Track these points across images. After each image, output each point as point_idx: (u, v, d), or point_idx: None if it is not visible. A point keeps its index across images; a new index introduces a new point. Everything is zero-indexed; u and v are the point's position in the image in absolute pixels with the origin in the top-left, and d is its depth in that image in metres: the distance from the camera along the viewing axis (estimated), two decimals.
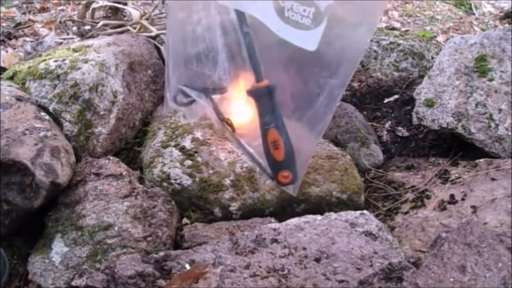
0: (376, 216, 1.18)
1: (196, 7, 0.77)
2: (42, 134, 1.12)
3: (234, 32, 0.73)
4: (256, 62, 0.73)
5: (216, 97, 0.79)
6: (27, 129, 1.12)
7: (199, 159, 1.24)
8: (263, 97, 0.75)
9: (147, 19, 1.77)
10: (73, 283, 0.92)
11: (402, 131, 1.57)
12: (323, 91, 0.74)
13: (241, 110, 0.78)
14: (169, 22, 0.83)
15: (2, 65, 1.69)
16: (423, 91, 1.49)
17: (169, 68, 0.81)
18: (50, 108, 1.27)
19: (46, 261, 1.01)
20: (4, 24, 2.14)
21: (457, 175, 1.31)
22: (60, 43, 1.80)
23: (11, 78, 1.37)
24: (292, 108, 0.77)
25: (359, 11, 0.72)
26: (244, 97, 0.76)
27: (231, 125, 0.79)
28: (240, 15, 0.72)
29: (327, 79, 0.73)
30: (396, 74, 1.67)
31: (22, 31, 2.13)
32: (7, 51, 1.91)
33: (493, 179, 1.23)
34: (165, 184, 1.19)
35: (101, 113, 1.30)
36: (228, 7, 0.72)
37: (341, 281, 0.89)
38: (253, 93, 0.75)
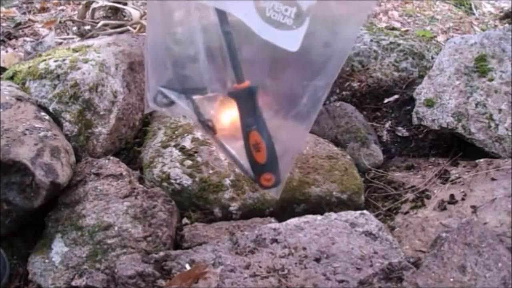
0: (376, 216, 1.18)
1: (176, 7, 0.76)
2: (42, 134, 1.12)
3: (215, 31, 0.72)
4: (237, 63, 0.72)
5: (196, 98, 0.77)
6: (27, 129, 1.12)
7: (199, 159, 1.24)
8: (244, 98, 0.74)
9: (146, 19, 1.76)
10: (73, 283, 0.92)
11: (402, 131, 1.57)
12: (306, 92, 0.73)
13: (222, 111, 0.77)
14: (149, 22, 0.81)
15: (2, 65, 1.69)
16: (423, 91, 1.49)
17: (148, 69, 0.80)
18: (50, 108, 1.27)
19: (46, 261, 1.01)
20: (4, 24, 2.14)
21: (457, 175, 1.31)
22: (60, 43, 1.80)
23: (11, 78, 1.37)
24: (275, 109, 0.76)
25: (345, 10, 0.71)
26: (226, 98, 0.75)
27: (212, 127, 0.77)
28: (221, 14, 0.70)
29: (310, 81, 0.72)
30: (396, 74, 1.67)
31: (22, 31, 2.13)
32: (7, 51, 1.91)
33: (493, 179, 1.23)
34: (165, 184, 1.19)
35: (101, 113, 1.30)
36: (209, 6, 0.71)
37: (341, 281, 0.89)
38: (234, 94, 0.74)
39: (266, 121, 0.74)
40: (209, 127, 0.77)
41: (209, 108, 0.77)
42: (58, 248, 1.03)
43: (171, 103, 0.78)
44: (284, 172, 0.77)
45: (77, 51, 1.38)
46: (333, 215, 1.07)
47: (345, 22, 0.70)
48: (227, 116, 0.78)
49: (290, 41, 0.67)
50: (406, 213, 1.24)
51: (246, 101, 0.73)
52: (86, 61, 1.33)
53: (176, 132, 1.34)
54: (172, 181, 1.19)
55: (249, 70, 0.73)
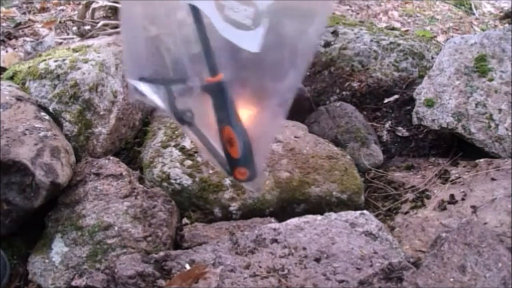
0: (376, 216, 1.18)
1: None
2: (42, 134, 1.12)
3: (192, 24, 0.71)
4: (210, 56, 0.70)
5: (175, 89, 0.76)
6: (27, 129, 1.12)
7: (199, 159, 1.24)
8: (217, 92, 0.72)
9: None
10: (73, 283, 0.92)
11: (402, 131, 1.57)
12: (277, 88, 0.73)
13: (202, 103, 0.76)
14: (124, 12, 0.79)
15: (2, 65, 1.69)
16: (423, 91, 1.49)
17: (126, 60, 0.79)
18: (50, 108, 1.27)
19: (46, 261, 1.01)
20: (4, 24, 2.14)
21: (457, 175, 1.31)
22: (60, 43, 1.80)
23: (11, 78, 1.37)
24: (248, 103, 0.76)
25: (307, 9, 0.70)
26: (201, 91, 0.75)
27: (191, 118, 0.76)
28: (193, 8, 0.70)
29: (280, 77, 0.72)
30: (396, 74, 1.67)
31: (22, 31, 2.13)
32: (7, 51, 1.91)
33: (493, 179, 1.23)
34: (165, 184, 1.19)
35: (101, 113, 1.30)
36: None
37: (341, 281, 0.89)
38: (207, 88, 0.73)
39: (240, 115, 0.74)
40: (186, 119, 0.75)
41: (188, 100, 0.75)
42: (58, 248, 1.03)
43: (149, 94, 0.77)
44: (259, 165, 0.76)
45: (77, 51, 1.38)
46: (333, 215, 1.07)
47: (310, 20, 0.70)
48: (206, 108, 0.76)
49: (250, 41, 0.67)
50: (406, 213, 1.24)
51: (219, 95, 0.72)
52: (86, 61, 1.33)
53: (176, 132, 1.34)
54: (172, 181, 1.19)
55: (223, 64, 0.71)
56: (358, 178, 1.31)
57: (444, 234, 0.91)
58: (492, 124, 1.38)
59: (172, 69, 0.75)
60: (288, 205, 1.23)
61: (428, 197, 1.26)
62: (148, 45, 0.75)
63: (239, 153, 0.73)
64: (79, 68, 1.31)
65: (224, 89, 0.72)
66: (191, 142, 1.28)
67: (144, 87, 0.75)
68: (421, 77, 1.61)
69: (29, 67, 1.34)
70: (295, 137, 1.40)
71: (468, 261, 0.85)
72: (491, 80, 1.43)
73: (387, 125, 1.60)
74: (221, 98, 0.72)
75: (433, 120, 1.43)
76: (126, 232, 1.04)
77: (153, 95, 0.75)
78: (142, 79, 0.75)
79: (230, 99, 0.72)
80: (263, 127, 0.76)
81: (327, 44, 1.75)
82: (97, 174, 1.16)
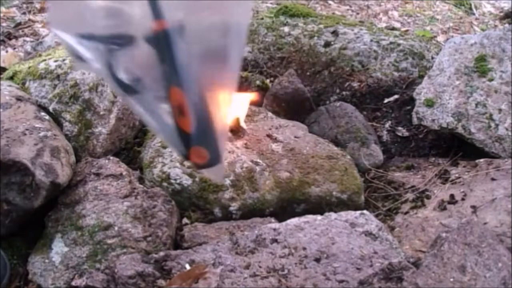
0: (376, 216, 1.18)
1: None
2: (42, 134, 1.12)
3: None
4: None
5: (116, 49, 0.59)
6: (27, 129, 1.12)
7: None
8: (162, 43, 0.57)
9: None
10: (73, 283, 0.92)
11: (402, 131, 1.57)
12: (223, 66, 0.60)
13: (145, 61, 0.59)
14: None
15: (2, 65, 1.69)
16: (423, 91, 1.49)
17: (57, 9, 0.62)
18: (50, 108, 1.27)
19: (46, 261, 1.01)
20: (4, 24, 2.14)
21: (457, 175, 1.31)
22: (60, 43, 1.80)
23: (11, 78, 1.37)
24: (204, 62, 0.59)
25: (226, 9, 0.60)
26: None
27: (135, 85, 0.59)
28: None
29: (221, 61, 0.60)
30: (396, 74, 1.67)
31: (22, 31, 2.13)
32: (7, 51, 1.91)
33: (493, 179, 1.23)
34: (165, 184, 1.19)
35: (101, 113, 1.30)
36: None
37: (341, 281, 0.89)
38: (151, 39, 0.57)
39: (194, 77, 0.58)
40: (130, 86, 0.59)
41: (132, 60, 0.60)
42: (58, 248, 1.03)
43: (86, 56, 0.58)
44: (221, 147, 0.59)
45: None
46: (333, 215, 1.07)
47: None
48: (155, 71, 0.58)
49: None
50: (406, 213, 1.24)
51: (165, 46, 0.57)
52: None
53: None
54: (172, 181, 1.19)
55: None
56: (358, 178, 1.31)
57: (444, 234, 0.91)
58: (492, 124, 1.38)
59: (110, 22, 0.60)
60: (288, 205, 1.23)
61: (428, 197, 1.26)
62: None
63: (193, 125, 0.57)
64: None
65: (171, 38, 0.57)
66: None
67: (81, 47, 0.60)
68: (421, 77, 1.61)
69: (29, 67, 1.34)
70: (295, 137, 1.40)
71: (468, 261, 0.85)
72: (491, 80, 1.43)
73: (387, 125, 1.60)
74: (167, 50, 0.57)
75: (433, 120, 1.43)
76: (126, 232, 1.04)
77: (92, 59, 0.59)
78: (79, 35, 0.60)
79: (180, 51, 0.57)
80: (219, 98, 0.59)
81: (327, 44, 1.75)
82: (97, 174, 1.16)
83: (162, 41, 0.57)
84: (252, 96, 1.51)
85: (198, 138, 0.57)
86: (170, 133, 0.59)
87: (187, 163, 1.22)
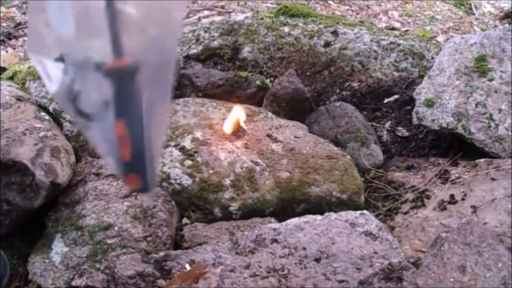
0: (376, 216, 1.18)
1: None
2: (42, 134, 1.12)
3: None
4: (116, 34, 0.59)
5: (81, 76, 0.62)
6: (27, 129, 1.12)
7: (199, 159, 1.24)
8: (119, 78, 0.61)
9: None
10: (73, 283, 0.92)
11: (402, 131, 1.57)
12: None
13: (102, 91, 0.63)
14: None
15: (2, 65, 1.69)
16: (423, 91, 1.49)
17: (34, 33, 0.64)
18: (50, 108, 1.27)
19: (46, 261, 1.01)
20: (4, 24, 2.14)
21: (457, 175, 1.31)
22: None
23: (11, 78, 1.37)
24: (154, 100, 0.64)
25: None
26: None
27: (91, 114, 0.63)
28: None
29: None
30: (396, 74, 1.67)
31: (22, 31, 2.13)
32: (7, 51, 1.91)
33: (493, 179, 1.23)
34: (165, 184, 1.19)
35: None
36: None
37: (341, 281, 0.89)
38: (109, 73, 0.61)
39: (142, 111, 0.63)
40: (86, 111, 0.62)
41: (91, 88, 0.62)
42: (58, 248, 1.03)
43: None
44: (154, 176, 0.66)
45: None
46: (333, 215, 1.07)
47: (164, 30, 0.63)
48: (107, 98, 0.63)
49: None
50: (406, 213, 1.24)
51: (121, 82, 0.61)
52: None
53: (176, 132, 1.34)
54: (172, 181, 1.19)
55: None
56: (358, 178, 1.31)
57: (444, 234, 0.91)
58: (492, 124, 1.38)
59: (80, 50, 0.62)
60: (288, 205, 1.23)
61: (428, 197, 1.26)
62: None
63: (131, 155, 0.62)
64: None
65: (127, 75, 0.61)
66: (191, 142, 1.27)
67: (50, 71, 0.63)
68: (421, 77, 1.61)
69: (29, 67, 1.34)
70: (295, 137, 1.40)
71: (468, 261, 0.85)
72: (491, 80, 1.43)
73: (387, 125, 1.60)
74: (123, 86, 0.61)
75: (433, 120, 1.43)
76: (126, 232, 1.04)
77: (55, 82, 0.62)
78: (51, 59, 0.62)
79: (134, 89, 0.61)
80: (158, 130, 0.66)
81: (327, 44, 1.75)
82: (97, 174, 1.16)
83: (118, 77, 0.61)
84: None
85: (133, 167, 0.63)
86: (115, 160, 0.65)
87: (187, 163, 1.22)
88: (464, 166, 1.35)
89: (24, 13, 2.31)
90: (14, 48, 1.97)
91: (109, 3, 0.59)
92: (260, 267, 0.92)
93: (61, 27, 0.61)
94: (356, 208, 1.21)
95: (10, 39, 2.05)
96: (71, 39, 0.61)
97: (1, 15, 2.21)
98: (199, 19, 1.86)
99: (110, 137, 0.64)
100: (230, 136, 1.35)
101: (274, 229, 1.01)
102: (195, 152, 1.25)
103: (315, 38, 1.77)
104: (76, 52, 0.61)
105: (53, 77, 0.63)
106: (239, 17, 2.04)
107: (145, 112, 0.63)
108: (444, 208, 1.19)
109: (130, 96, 0.61)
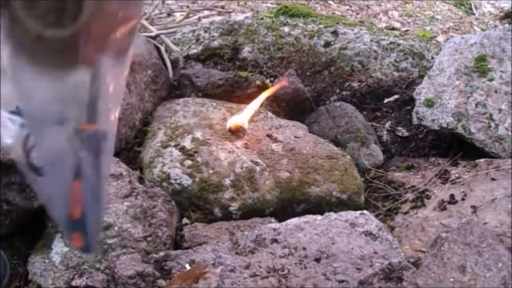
0: (376, 216, 1.18)
1: None
2: None
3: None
4: (94, 100, 0.61)
5: (39, 130, 0.63)
6: None
7: (199, 159, 1.24)
8: (86, 142, 0.63)
9: (147, 19, 1.77)
10: (73, 283, 0.92)
11: (402, 131, 1.57)
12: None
13: (60, 151, 0.65)
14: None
15: None
16: (423, 91, 1.49)
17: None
18: None
19: (46, 261, 1.01)
20: None
21: (457, 175, 1.31)
22: None
23: None
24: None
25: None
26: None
27: (42, 168, 0.64)
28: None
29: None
30: (396, 74, 1.67)
31: None
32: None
33: (493, 179, 1.23)
34: (165, 184, 1.19)
35: None
36: None
37: (341, 281, 0.89)
38: (79, 136, 0.62)
39: (104, 175, 0.65)
40: (37, 168, 0.63)
41: (48, 145, 0.63)
42: (58, 248, 1.03)
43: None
44: (95, 239, 0.66)
45: None
46: (333, 215, 1.07)
47: None
48: (66, 157, 0.64)
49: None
50: (406, 213, 1.24)
51: (88, 145, 0.63)
52: None
53: (176, 132, 1.34)
54: (172, 181, 1.19)
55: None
56: (358, 178, 1.31)
57: (444, 234, 0.91)
58: (492, 124, 1.38)
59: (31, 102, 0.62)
60: (288, 205, 1.23)
61: (428, 197, 1.26)
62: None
63: (79, 214, 0.63)
64: None
65: (96, 140, 0.63)
66: (191, 142, 1.28)
67: (8, 122, 0.63)
68: (421, 77, 1.61)
69: None
70: (295, 137, 1.40)
71: (468, 261, 0.85)
72: (491, 80, 1.43)
73: (387, 125, 1.60)
74: (88, 149, 0.62)
75: (433, 120, 1.43)
76: (126, 232, 1.04)
77: (10, 134, 0.63)
78: (11, 111, 0.63)
79: (99, 153, 0.64)
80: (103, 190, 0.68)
81: (327, 44, 1.75)
82: None
83: (88, 140, 0.62)
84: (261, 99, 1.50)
85: (79, 226, 0.64)
86: (61, 217, 0.65)
87: (187, 163, 1.22)
88: (464, 166, 1.35)
89: None
90: None
91: (98, 75, 0.59)
92: (260, 267, 0.92)
93: (20, 80, 0.60)
94: (356, 208, 1.21)
95: None
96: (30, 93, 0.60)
97: None
98: (199, 19, 1.86)
99: (60, 193, 0.64)
100: (230, 136, 1.35)
101: (274, 229, 1.01)
102: (195, 152, 1.25)
103: (315, 38, 1.77)
104: (36, 106, 0.61)
105: (9, 129, 0.63)
106: (239, 17, 2.04)
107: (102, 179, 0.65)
108: (444, 208, 1.19)
109: (94, 159, 0.63)
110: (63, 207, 0.64)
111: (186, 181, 1.19)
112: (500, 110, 1.39)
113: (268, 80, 1.69)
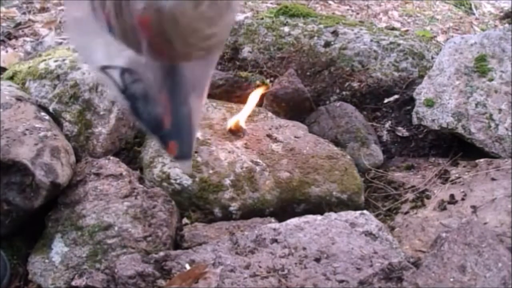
0: (376, 216, 1.18)
1: None
2: (42, 134, 1.12)
3: None
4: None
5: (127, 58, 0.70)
6: (27, 129, 1.12)
7: (199, 159, 1.24)
8: (169, 70, 0.69)
9: None
10: (73, 283, 0.92)
11: (402, 131, 1.57)
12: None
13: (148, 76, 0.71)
14: None
15: (2, 65, 1.69)
16: (423, 91, 1.49)
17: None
18: (50, 108, 1.27)
19: (46, 261, 1.01)
20: (4, 24, 2.14)
21: (457, 175, 1.31)
22: (60, 43, 1.80)
23: (11, 78, 1.37)
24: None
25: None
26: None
27: (134, 90, 0.72)
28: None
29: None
30: (396, 74, 1.67)
31: (22, 31, 2.13)
32: (7, 51, 1.91)
33: (493, 179, 1.23)
34: (165, 184, 1.19)
35: (101, 113, 1.30)
36: None
37: (341, 281, 0.89)
38: (163, 66, 0.70)
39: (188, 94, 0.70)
40: (132, 92, 0.70)
41: (138, 71, 0.70)
42: (58, 248, 1.03)
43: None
44: (191, 145, 0.72)
45: (77, 51, 1.38)
46: (333, 215, 1.07)
47: None
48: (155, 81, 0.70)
49: None
50: (406, 213, 1.24)
51: (171, 72, 0.68)
52: None
53: None
54: (172, 181, 1.19)
55: None
56: (358, 178, 1.31)
57: (444, 234, 0.91)
58: (492, 124, 1.38)
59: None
60: (288, 205, 1.23)
61: (428, 197, 1.26)
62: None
63: (171, 123, 0.69)
64: (79, 68, 1.31)
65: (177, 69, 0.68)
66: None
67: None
68: (421, 77, 1.61)
69: (29, 67, 1.34)
70: (295, 137, 1.40)
71: (468, 261, 0.85)
72: (491, 80, 1.43)
73: (387, 125, 1.60)
74: (171, 72, 0.67)
75: (433, 120, 1.43)
76: (126, 232, 1.04)
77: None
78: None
79: (181, 77, 0.68)
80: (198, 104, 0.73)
81: (327, 44, 1.75)
82: (97, 174, 1.16)
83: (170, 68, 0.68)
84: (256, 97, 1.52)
85: (173, 135, 0.69)
86: (155, 128, 0.71)
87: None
88: (464, 166, 1.35)
89: (24, 13, 2.31)
90: (14, 48, 1.97)
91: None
92: (260, 267, 0.92)
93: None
94: (356, 208, 1.21)
95: (10, 39, 2.05)
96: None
97: (1, 15, 2.21)
98: None
99: (154, 112, 0.70)
100: (230, 136, 1.35)
101: (274, 229, 1.01)
102: (195, 152, 1.25)
103: (315, 38, 1.77)
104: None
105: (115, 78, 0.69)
106: (239, 17, 2.04)
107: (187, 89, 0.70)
108: (444, 208, 1.19)
109: (176, 77, 0.68)
110: (157, 124, 0.70)
111: (186, 181, 1.19)
112: (500, 110, 1.39)
113: (268, 80, 1.69)
